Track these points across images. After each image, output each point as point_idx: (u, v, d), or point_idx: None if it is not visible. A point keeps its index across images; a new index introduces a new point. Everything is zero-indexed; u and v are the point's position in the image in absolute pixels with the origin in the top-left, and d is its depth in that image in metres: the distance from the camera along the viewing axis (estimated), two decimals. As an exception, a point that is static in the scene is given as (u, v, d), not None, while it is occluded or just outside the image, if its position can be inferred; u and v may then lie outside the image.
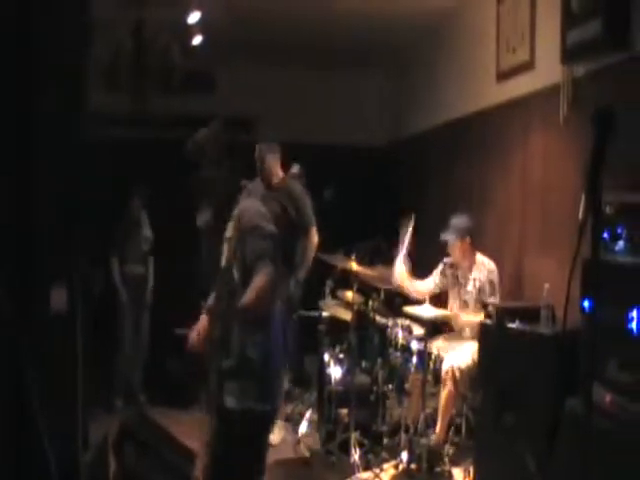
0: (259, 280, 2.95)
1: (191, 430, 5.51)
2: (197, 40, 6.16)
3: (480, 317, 4.59)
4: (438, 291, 5.15)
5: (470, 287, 4.90)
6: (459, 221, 4.94)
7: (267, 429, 3.20)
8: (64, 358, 3.11)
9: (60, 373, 3.09)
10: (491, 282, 4.82)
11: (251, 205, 3.20)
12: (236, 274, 3.05)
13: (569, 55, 4.19)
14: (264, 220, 3.11)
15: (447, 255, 5.08)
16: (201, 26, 5.92)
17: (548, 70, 4.49)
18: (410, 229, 5.01)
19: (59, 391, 3.08)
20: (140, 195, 6.34)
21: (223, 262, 3.20)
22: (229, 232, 3.15)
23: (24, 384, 2.85)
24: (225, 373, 3.02)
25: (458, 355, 4.76)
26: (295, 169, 6.59)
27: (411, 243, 5.08)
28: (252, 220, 3.08)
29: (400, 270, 5.07)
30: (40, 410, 2.83)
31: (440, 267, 5.15)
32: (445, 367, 4.72)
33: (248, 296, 2.94)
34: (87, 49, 3.31)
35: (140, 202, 6.34)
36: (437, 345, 4.95)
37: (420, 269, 5.35)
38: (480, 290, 4.83)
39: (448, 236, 4.92)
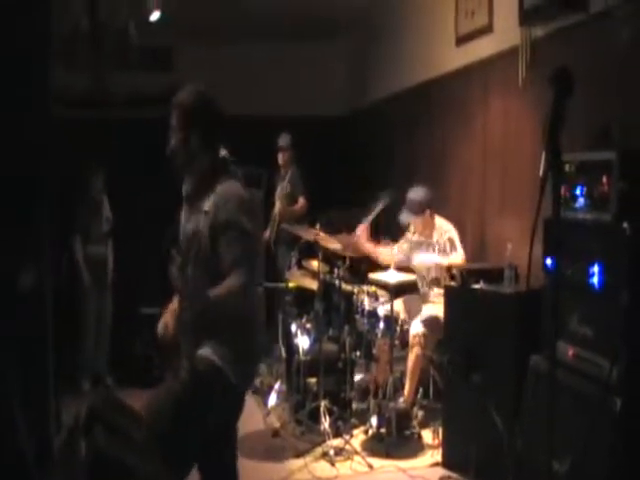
0: (232, 286, 2.62)
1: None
2: (155, 16, 6.01)
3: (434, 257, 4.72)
4: (405, 259, 5.09)
5: (434, 252, 4.91)
6: (415, 195, 4.88)
7: (238, 405, 2.88)
8: (36, 339, 3.03)
9: (32, 354, 3.02)
10: (450, 239, 4.84)
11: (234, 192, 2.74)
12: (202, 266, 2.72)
13: (527, 17, 4.22)
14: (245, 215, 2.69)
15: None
16: (159, 1, 5.78)
17: (507, 33, 4.51)
18: (380, 207, 4.91)
19: (31, 373, 3.02)
20: (100, 175, 6.19)
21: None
22: (202, 224, 2.70)
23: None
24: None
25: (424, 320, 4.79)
26: (284, 140, 6.49)
27: (377, 221, 5.06)
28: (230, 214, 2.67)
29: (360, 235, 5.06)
30: (13, 393, 2.78)
31: (406, 236, 5.14)
32: (412, 332, 4.76)
33: (215, 293, 2.61)
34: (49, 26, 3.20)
35: (101, 183, 6.20)
36: (399, 307, 4.96)
37: (387, 235, 5.38)
38: (442, 251, 4.84)
39: (405, 217, 4.91)
